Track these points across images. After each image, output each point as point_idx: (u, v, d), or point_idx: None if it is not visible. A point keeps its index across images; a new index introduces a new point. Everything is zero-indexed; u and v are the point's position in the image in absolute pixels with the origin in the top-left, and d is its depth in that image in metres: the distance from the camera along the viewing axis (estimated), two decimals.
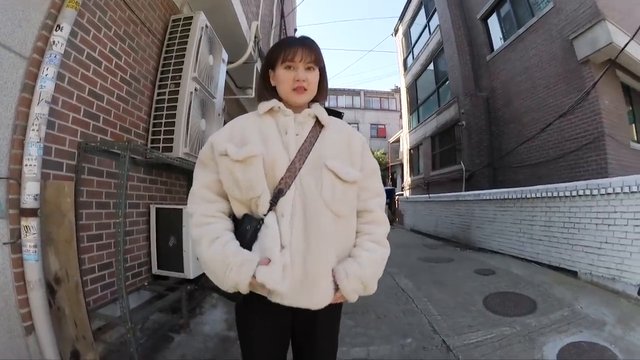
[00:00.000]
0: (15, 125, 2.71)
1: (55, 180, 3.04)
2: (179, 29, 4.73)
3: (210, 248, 1.61)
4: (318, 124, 1.85)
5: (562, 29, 9.99)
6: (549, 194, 6.92)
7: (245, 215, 1.71)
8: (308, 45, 1.80)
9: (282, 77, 1.78)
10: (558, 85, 10.29)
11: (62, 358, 2.93)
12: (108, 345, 3.43)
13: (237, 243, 1.63)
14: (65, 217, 2.99)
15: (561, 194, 6.56)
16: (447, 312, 4.92)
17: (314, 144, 1.77)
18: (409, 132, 23.64)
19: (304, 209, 1.65)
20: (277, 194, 1.64)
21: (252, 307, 1.74)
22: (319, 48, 1.84)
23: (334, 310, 1.83)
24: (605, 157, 8.79)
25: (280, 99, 1.84)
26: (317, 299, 1.64)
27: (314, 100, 1.90)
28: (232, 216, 1.80)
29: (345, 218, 1.74)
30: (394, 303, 5.41)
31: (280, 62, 1.79)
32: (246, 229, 1.67)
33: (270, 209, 1.64)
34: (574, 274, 6.19)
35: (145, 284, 4.31)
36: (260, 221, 1.65)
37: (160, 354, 3.63)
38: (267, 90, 1.88)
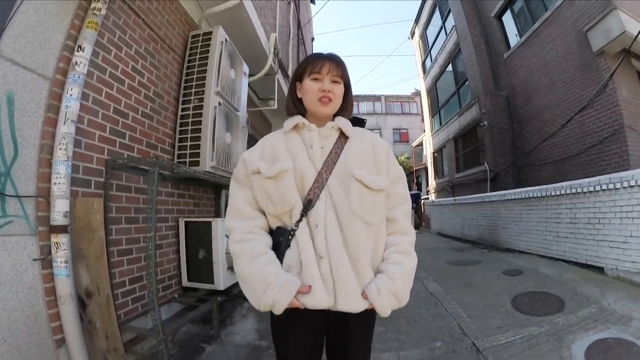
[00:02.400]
0: (42, 145, 2.79)
1: (84, 198, 3.11)
2: (199, 44, 4.81)
3: (251, 265, 1.65)
4: (342, 136, 1.88)
5: (576, 21, 9.85)
6: (573, 190, 6.79)
7: (278, 227, 1.77)
8: (335, 60, 1.85)
9: (309, 88, 1.83)
10: (576, 79, 10.13)
11: None
12: (139, 357, 3.49)
13: (279, 264, 1.68)
14: (95, 232, 3.06)
15: (585, 189, 6.44)
16: (476, 314, 4.88)
17: (339, 155, 1.81)
18: (432, 135, 23.51)
19: (337, 219, 1.69)
20: (307, 205, 1.69)
21: (287, 316, 1.70)
22: (345, 65, 1.88)
23: (368, 319, 1.86)
24: (627, 149, 8.62)
25: (305, 112, 1.91)
26: (355, 303, 1.67)
27: (338, 115, 1.94)
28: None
29: (375, 226, 1.78)
30: (424, 308, 5.38)
31: (307, 74, 1.84)
32: (279, 241, 1.73)
33: (300, 220, 1.69)
34: (600, 270, 6.07)
35: (176, 296, 4.37)
36: (292, 232, 1.70)
37: None
38: (294, 103, 1.94)
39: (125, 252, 3.63)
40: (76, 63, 2.99)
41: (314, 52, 2.06)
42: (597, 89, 9.26)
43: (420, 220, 21.25)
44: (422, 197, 24.54)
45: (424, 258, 9.28)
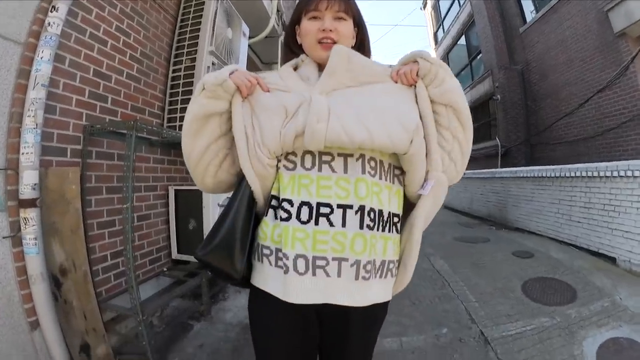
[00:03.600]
0: (11, 113, 2.59)
1: (57, 167, 2.90)
2: (193, 2, 4.55)
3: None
4: None
5: None
6: (589, 174, 6.45)
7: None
8: None
9: (306, 29, 1.53)
10: (595, 59, 9.84)
11: (70, 352, 2.84)
12: (122, 337, 3.35)
13: None
14: (70, 204, 2.85)
15: (602, 173, 6.10)
16: (485, 298, 4.68)
17: None
18: None
19: None
20: None
21: (268, 309, 1.43)
22: None
23: (378, 315, 1.58)
24: None
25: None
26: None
27: None
28: None
29: None
30: (430, 287, 5.18)
31: (304, 13, 1.54)
32: None
33: None
34: (612, 260, 5.79)
35: (165, 269, 4.19)
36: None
37: (177, 344, 3.50)
38: (292, 50, 1.67)
39: (106, 225, 3.43)
40: (49, 24, 2.75)
41: None
42: (618, 71, 8.99)
43: None
44: None
45: (431, 232, 9.05)
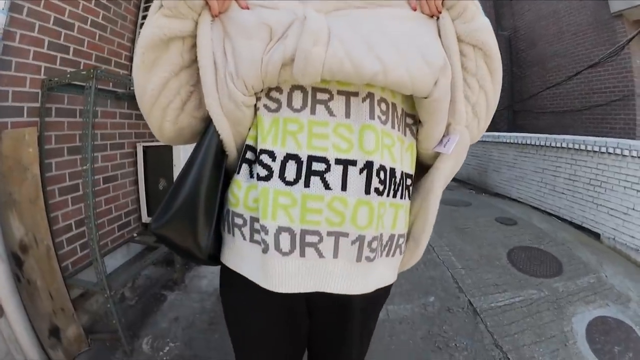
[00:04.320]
0: None
1: (12, 130, 2.57)
2: None
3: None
4: None
5: None
6: (576, 146, 6.34)
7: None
8: None
9: None
10: (588, 35, 9.87)
11: (39, 337, 2.60)
12: (93, 314, 3.13)
13: None
14: (27, 171, 2.57)
15: (589, 148, 5.99)
16: (471, 265, 4.58)
17: None
18: None
19: None
20: None
21: (244, 296, 1.16)
22: None
23: (380, 300, 1.36)
24: (635, 118, 8.57)
25: None
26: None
27: None
28: None
29: None
30: None
31: None
32: None
33: None
34: (596, 235, 5.77)
35: (135, 235, 3.92)
36: None
37: (151, 318, 3.29)
38: None
39: (69, 190, 3.11)
40: None
41: None
42: (613, 49, 9.01)
43: None
44: None
45: None
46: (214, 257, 1.14)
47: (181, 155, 3.71)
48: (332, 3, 1.01)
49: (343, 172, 0.96)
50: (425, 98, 1.00)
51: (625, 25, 8.74)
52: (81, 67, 3.21)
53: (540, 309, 3.61)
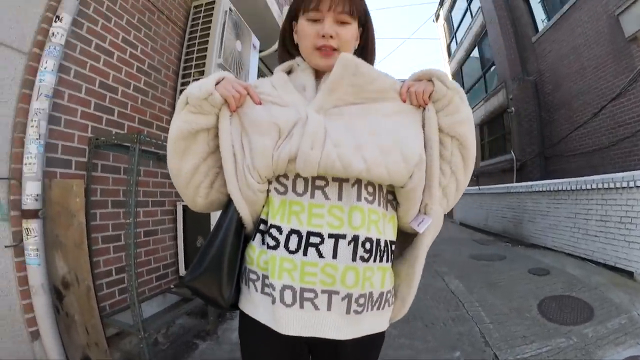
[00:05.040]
0: (15, 123, 2.57)
1: (61, 179, 2.87)
2: (202, 14, 4.52)
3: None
4: None
5: (607, 4, 9.31)
6: (605, 185, 6.31)
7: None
8: None
9: (304, 31, 1.34)
10: (607, 66, 9.62)
11: None
12: (125, 353, 3.28)
13: None
14: (74, 217, 2.82)
15: (618, 184, 5.97)
16: (500, 319, 4.53)
17: None
18: None
19: None
20: None
21: (257, 336, 1.34)
22: None
23: (375, 342, 1.42)
24: None
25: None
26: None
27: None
28: None
29: None
30: (444, 309, 5.04)
31: (302, 11, 1.34)
32: None
33: None
34: (630, 274, 5.63)
35: (171, 286, 4.12)
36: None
37: None
38: (287, 49, 1.49)
39: (111, 239, 3.37)
40: (52, 34, 2.74)
41: None
42: (631, 77, 8.78)
43: None
44: None
45: (446, 250, 8.96)
46: (234, 305, 1.35)
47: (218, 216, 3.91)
48: (331, 102, 1.25)
49: (334, 244, 1.16)
50: (402, 188, 1.23)
51: None
52: (125, 129, 3.55)
53: (567, 356, 3.54)
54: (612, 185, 6.10)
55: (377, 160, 1.15)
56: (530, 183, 9.62)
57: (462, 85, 20.25)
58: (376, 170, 1.15)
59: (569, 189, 7.47)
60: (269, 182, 1.25)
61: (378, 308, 1.29)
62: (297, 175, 1.22)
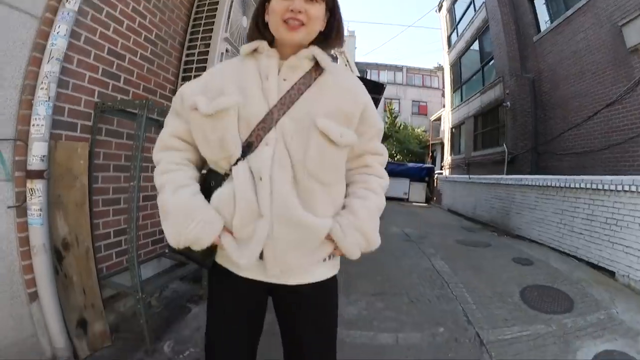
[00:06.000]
0: (24, 86, 2.61)
1: (67, 141, 2.93)
2: None
3: (174, 195, 1.39)
4: (315, 70, 1.49)
5: (611, 14, 9.34)
6: (594, 186, 6.43)
7: (210, 170, 1.54)
8: None
9: (274, 8, 1.42)
10: (607, 73, 9.69)
11: (67, 326, 2.83)
12: (120, 315, 3.37)
13: (204, 198, 1.44)
14: (77, 179, 2.91)
15: (606, 187, 6.08)
16: (483, 301, 4.68)
17: (303, 92, 1.44)
18: (452, 110, 23.07)
19: (291, 173, 1.39)
20: (246, 150, 1.39)
21: (222, 281, 1.58)
22: None
23: (326, 292, 1.63)
24: None
25: (272, 41, 1.52)
26: (296, 277, 1.50)
27: (322, 46, 1.52)
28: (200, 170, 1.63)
29: (333, 185, 1.50)
30: (429, 287, 5.19)
31: None
32: (210, 185, 1.48)
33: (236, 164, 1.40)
34: (611, 274, 5.75)
35: (166, 251, 4.17)
36: (225, 175, 1.45)
37: (174, 325, 3.52)
38: (258, 28, 1.55)
39: (111, 202, 3.47)
40: (67, 0, 2.75)
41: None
42: (629, 86, 8.85)
43: (431, 194, 21.16)
44: (435, 172, 24.19)
45: (433, 234, 9.21)
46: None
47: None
48: None
49: None
50: None
51: None
52: (130, 95, 3.62)
53: (547, 342, 3.66)
54: (600, 187, 6.21)
55: None
56: (520, 176, 9.78)
57: (460, 76, 21.01)
58: None
59: (558, 185, 7.58)
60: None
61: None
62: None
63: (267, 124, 1.39)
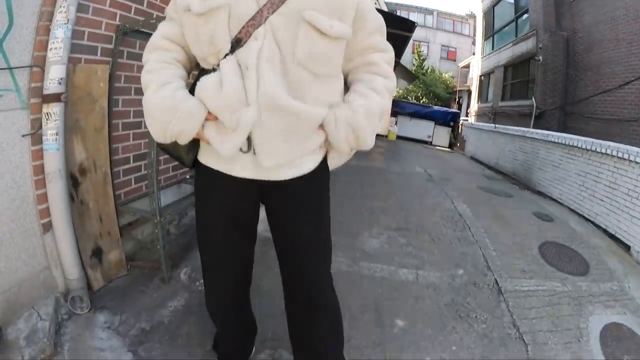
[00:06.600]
0: (42, 12, 2.47)
1: (85, 64, 2.82)
2: None
3: (157, 92, 1.44)
4: None
5: None
6: (619, 154, 6.12)
7: (201, 70, 1.61)
8: None
9: None
10: None
11: (82, 256, 2.79)
12: (136, 243, 3.39)
13: (187, 92, 1.48)
14: (96, 103, 2.84)
15: (632, 157, 5.76)
16: (503, 249, 4.65)
17: None
18: (482, 57, 22.80)
19: (280, 65, 1.42)
20: (235, 45, 1.42)
21: (210, 181, 1.67)
22: None
23: (317, 184, 1.72)
24: None
25: None
26: (286, 171, 1.58)
27: None
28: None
29: (325, 78, 1.53)
30: (450, 228, 5.17)
31: None
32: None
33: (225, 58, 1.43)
34: (627, 247, 5.52)
35: (187, 177, 4.17)
36: (213, 69, 1.48)
37: (192, 253, 3.55)
38: None
39: (132, 126, 3.40)
40: None
41: None
42: None
43: (455, 140, 20.97)
44: (460, 118, 23.95)
45: (457, 177, 9.30)
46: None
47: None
48: None
49: None
50: None
51: None
52: (154, 19, 3.43)
53: (561, 301, 3.65)
54: (625, 157, 5.93)
55: None
56: (547, 132, 9.47)
57: (492, 24, 21.05)
58: None
59: (584, 147, 7.28)
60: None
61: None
62: None
63: (256, 21, 1.40)
